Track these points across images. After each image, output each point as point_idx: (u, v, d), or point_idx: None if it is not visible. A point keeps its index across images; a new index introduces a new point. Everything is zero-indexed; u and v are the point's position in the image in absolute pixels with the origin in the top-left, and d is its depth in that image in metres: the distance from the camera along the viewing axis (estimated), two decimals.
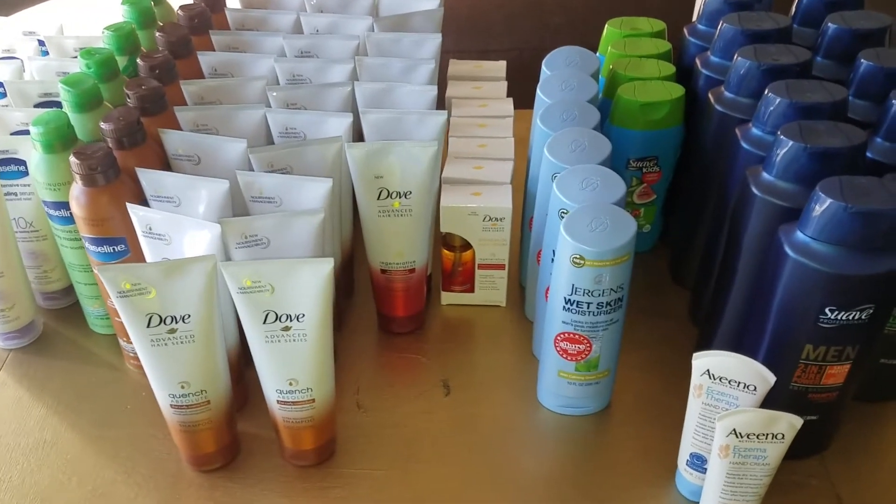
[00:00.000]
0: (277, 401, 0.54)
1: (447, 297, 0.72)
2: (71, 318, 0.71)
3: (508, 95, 0.79)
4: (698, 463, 0.53)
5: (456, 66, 0.84)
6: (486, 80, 0.81)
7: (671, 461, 0.56)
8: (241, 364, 0.61)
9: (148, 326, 0.50)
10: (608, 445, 0.59)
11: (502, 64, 0.84)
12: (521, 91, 0.81)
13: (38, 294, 0.71)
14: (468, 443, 0.59)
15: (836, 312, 0.48)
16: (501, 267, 0.69)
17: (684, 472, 0.54)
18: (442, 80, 0.78)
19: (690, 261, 0.69)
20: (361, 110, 0.65)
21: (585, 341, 0.56)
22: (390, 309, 0.68)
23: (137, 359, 0.63)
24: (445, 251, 0.69)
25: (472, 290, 0.71)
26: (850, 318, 0.48)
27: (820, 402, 0.53)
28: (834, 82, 0.56)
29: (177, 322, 0.50)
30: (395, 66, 0.72)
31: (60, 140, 0.59)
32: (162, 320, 0.50)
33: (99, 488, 0.57)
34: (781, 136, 0.51)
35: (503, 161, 0.69)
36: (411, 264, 0.65)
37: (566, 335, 0.56)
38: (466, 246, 0.68)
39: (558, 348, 0.57)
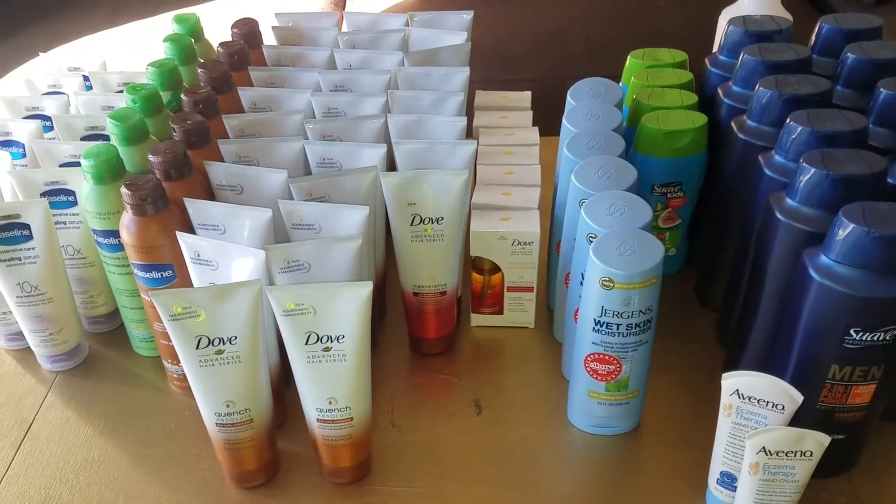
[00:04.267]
0: (317, 419, 0.56)
1: (477, 319, 0.74)
2: (115, 342, 0.74)
3: (533, 124, 0.82)
4: (728, 481, 0.54)
5: (482, 97, 0.86)
6: (512, 109, 0.84)
7: (700, 480, 0.57)
8: (282, 384, 0.63)
9: (197, 348, 0.52)
10: (638, 465, 0.61)
11: (527, 94, 0.86)
12: (545, 118, 0.83)
13: (84, 318, 0.74)
14: (500, 462, 0.61)
15: (861, 334, 0.49)
16: (530, 289, 0.71)
17: (714, 491, 0.55)
18: (468, 109, 0.81)
19: (716, 284, 0.71)
20: (394, 141, 0.68)
21: (615, 362, 0.58)
22: (422, 330, 0.70)
23: (181, 380, 0.67)
24: (475, 274, 0.71)
25: (501, 311, 0.73)
26: (875, 339, 0.49)
27: (847, 421, 0.54)
28: (854, 111, 0.58)
29: (224, 343, 0.52)
30: (425, 98, 0.74)
31: (110, 172, 0.62)
32: (210, 342, 0.52)
33: None
34: (804, 164, 0.53)
35: (530, 187, 0.72)
36: (443, 287, 0.67)
37: (596, 356, 0.58)
38: (495, 269, 0.70)
39: (588, 368, 0.59)
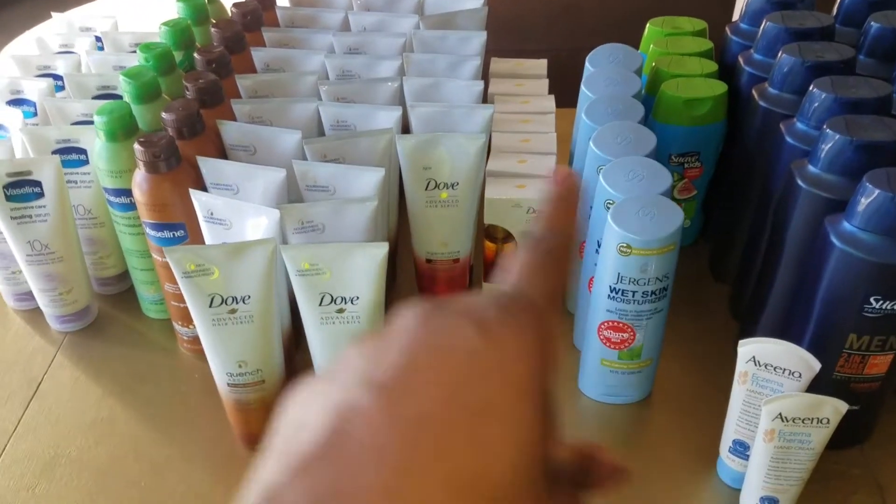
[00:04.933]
0: None
1: (489, 288, 0.73)
2: (125, 303, 0.74)
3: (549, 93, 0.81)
4: (741, 450, 0.54)
5: (498, 64, 0.85)
6: (528, 77, 0.83)
7: (712, 450, 0.57)
8: (293, 347, 0.63)
9: (210, 306, 0.52)
10: (649, 434, 0.61)
11: (543, 62, 0.85)
12: (559, 90, 0.82)
13: (94, 279, 0.74)
14: None
15: (881, 302, 0.49)
16: None
17: (726, 459, 0.55)
18: (484, 76, 0.80)
19: (731, 256, 0.70)
20: (410, 104, 0.67)
21: (629, 330, 0.57)
22: (433, 298, 0.70)
23: (192, 342, 0.66)
24: (488, 243, 0.70)
25: None
26: (895, 307, 0.49)
27: (862, 391, 0.53)
28: (877, 80, 0.57)
29: (237, 303, 0.52)
30: (441, 62, 0.74)
31: (123, 129, 0.61)
32: (224, 300, 0.52)
33: (155, 465, 0.59)
34: (827, 130, 0.52)
35: (546, 155, 0.71)
36: (456, 254, 0.67)
37: (610, 323, 0.57)
38: (509, 238, 0.69)
39: (602, 336, 0.58)
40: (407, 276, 0.74)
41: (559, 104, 0.79)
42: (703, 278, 0.75)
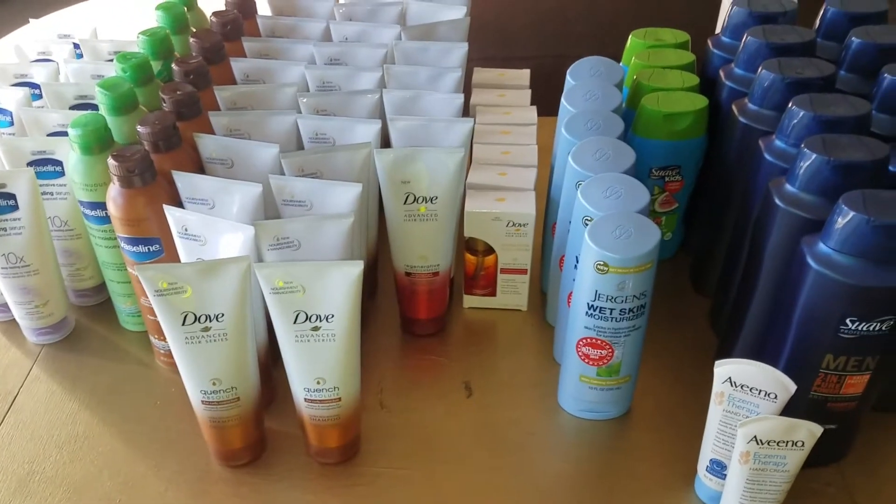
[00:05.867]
0: (305, 399, 0.55)
1: (469, 301, 0.73)
2: (102, 316, 0.73)
3: (531, 103, 0.80)
4: (718, 469, 0.53)
5: (480, 74, 0.85)
6: (510, 88, 0.83)
7: (690, 467, 0.56)
8: (269, 363, 0.62)
9: (183, 324, 0.51)
10: (627, 450, 0.60)
11: (526, 73, 0.85)
12: (544, 98, 0.82)
13: (71, 291, 0.73)
14: (489, 444, 0.60)
15: (857, 323, 0.48)
16: (524, 272, 0.70)
17: (704, 478, 0.55)
18: (466, 87, 0.79)
19: (711, 269, 0.70)
20: (389, 117, 0.67)
21: (607, 347, 0.57)
22: (413, 311, 0.69)
23: (168, 355, 0.66)
24: (468, 255, 0.70)
25: (493, 293, 0.72)
26: (871, 329, 0.49)
27: (839, 411, 0.53)
28: (857, 96, 0.57)
29: (211, 321, 0.51)
30: (422, 74, 0.73)
31: (98, 142, 0.60)
32: (197, 318, 0.51)
33: (129, 481, 0.58)
34: (805, 149, 0.52)
35: (527, 168, 0.71)
36: (435, 268, 0.66)
37: (588, 340, 0.57)
38: (489, 251, 0.69)
39: (580, 353, 0.58)
40: (388, 289, 0.74)
41: (543, 112, 0.79)
42: (684, 291, 0.75)
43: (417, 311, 0.69)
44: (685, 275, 0.76)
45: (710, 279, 0.71)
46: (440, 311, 0.70)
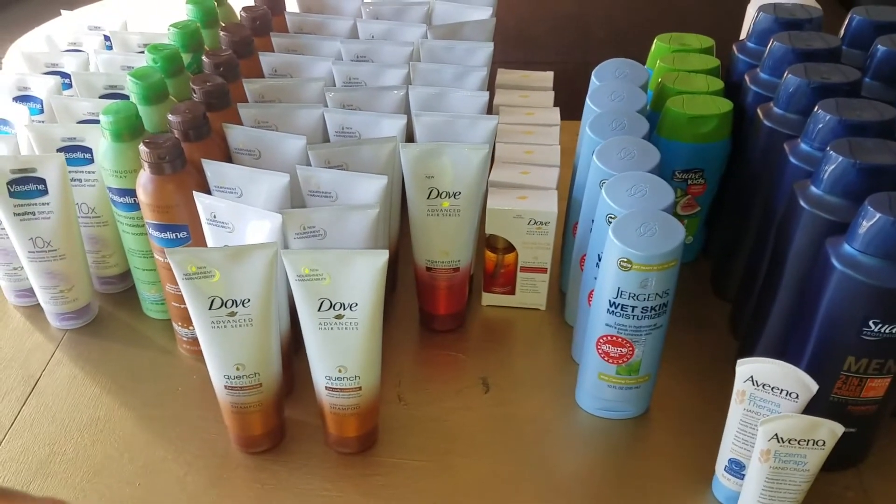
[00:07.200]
0: (326, 387, 0.56)
1: (488, 299, 0.73)
2: (126, 303, 0.74)
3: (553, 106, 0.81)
4: (736, 469, 0.53)
5: (504, 76, 0.86)
6: (534, 89, 0.83)
7: (707, 468, 0.56)
8: (291, 351, 0.63)
9: (210, 308, 0.52)
10: (644, 450, 0.60)
11: (549, 74, 0.86)
12: (564, 102, 0.82)
13: (95, 278, 0.74)
14: (506, 440, 0.61)
15: (880, 325, 0.48)
16: (543, 271, 0.70)
17: (722, 478, 0.55)
18: (490, 88, 0.80)
19: (732, 273, 0.70)
20: (415, 113, 0.67)
21: (628, 345, 0.57)
22: (433, 306, 0.70)
23: (191, 343, 0.66)
24: (489, 253, 0.70)
25: (512, 292, 0.72)
26: (894, 331, 0.49)
27: (859, 414, 0.53)
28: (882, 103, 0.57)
29: (237, 305, 0.52)
30: (447, 72, 0.74)
31: (129, 130, 0.61)
32: (223, 303, 0.52)
33: (150, 465, 0.59)
34: (831, 152, 0.52)
35: (549, 167, 0.71)
36: (456, 263, 0.67)
37: (609, 338, 0.57)
38: (509, 248, 0.70)
39: (600, 351, 0.58)
40: (408, 285, 0.74)
41: (565, 116, 0.79)
42: (705, 295, 0.75)
43: (437, 306, 0.70)
44: (706, 279, 0.76)
45: (731, 283, 0.71)
46: (459, 307, 0.70)
